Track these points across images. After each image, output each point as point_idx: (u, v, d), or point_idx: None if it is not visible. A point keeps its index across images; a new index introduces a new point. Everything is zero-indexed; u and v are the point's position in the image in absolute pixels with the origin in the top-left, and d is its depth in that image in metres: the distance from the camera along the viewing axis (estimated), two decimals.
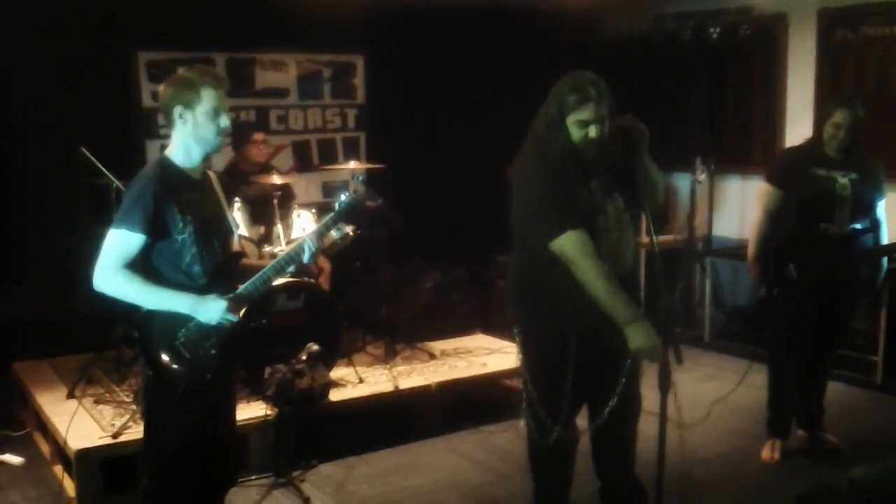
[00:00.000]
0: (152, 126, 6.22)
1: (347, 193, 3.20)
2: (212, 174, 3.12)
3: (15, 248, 5.67)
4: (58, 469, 4.39)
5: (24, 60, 5.69)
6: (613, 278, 3.04)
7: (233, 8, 6.25)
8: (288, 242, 5.00)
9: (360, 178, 5.23)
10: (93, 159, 4.68)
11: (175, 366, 2.91)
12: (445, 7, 6.84)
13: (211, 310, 2.89)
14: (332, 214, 3.17)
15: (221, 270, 2.99)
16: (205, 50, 6.39)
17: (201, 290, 2.92)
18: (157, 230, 2.85)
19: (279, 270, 3.07)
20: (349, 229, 5.34)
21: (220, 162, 6.16)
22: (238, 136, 5.69)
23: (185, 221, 2.88)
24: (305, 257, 3.07)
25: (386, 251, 5.71)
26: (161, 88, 2.94)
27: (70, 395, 4.74)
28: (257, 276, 3.02)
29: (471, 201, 6.87)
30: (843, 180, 4.25)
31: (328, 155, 6.87)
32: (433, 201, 6.81)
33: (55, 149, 5.51)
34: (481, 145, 6.84)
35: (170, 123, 2.93)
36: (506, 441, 4.83)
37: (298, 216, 5.08)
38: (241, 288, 3.00)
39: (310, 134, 6.89)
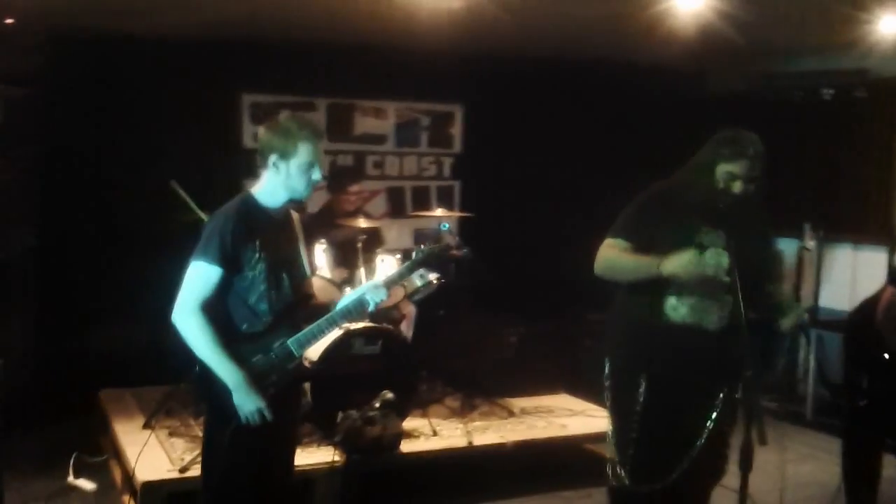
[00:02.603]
0: (252, 167, 6.29)
1: (428, 244, 3.14)
2: (294, 215, 3.12)
3: (109, 281, 5.82)
4: (126, 498, 4.40)
5: (130, 97, 5.90)
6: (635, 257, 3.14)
7: (336, 55, 6.37)
8: None
9: (447, 226, 5.19)
10: (183, 194, 4.76)
11: (232, 401, 2.86)
12: (545, 59, 6.81)
13: (248, 400, 2.86)
14: (407, 264, 3.13)
15: (288, 311, 2.97)
16: (307, 94, 6.53)
17: (266, 328, 2.91)
18: (232, 265, 2.86)
19: (345, 316, 3.04)
20: (433, 277, 5.29)
21: (317, 202, 6.24)
22: (336, 181, 5.73)
23: (258, 259, 2.88)
24: (370, 307, 3.03)
25: (471, 301, 5.61)
26: (261, 131, 2.99)
27: (146, 426, 4.78)
28: (315, 323, 2.98)
29: (561, 256, 6.73)
30: None
31: (422, 202, 6.87)
32: (523, 254, 6.71)
33: (151, 184, 5.67)
34: (575, 200, 6.74)
35: (263, 165, 2.96)
36: None
37: (382, 261, 5.04)
38: (299, 334, 2.95)
39: (405, 181, 6.91)
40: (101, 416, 5.31)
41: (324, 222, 5.41)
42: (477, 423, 5.08)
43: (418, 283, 5.26)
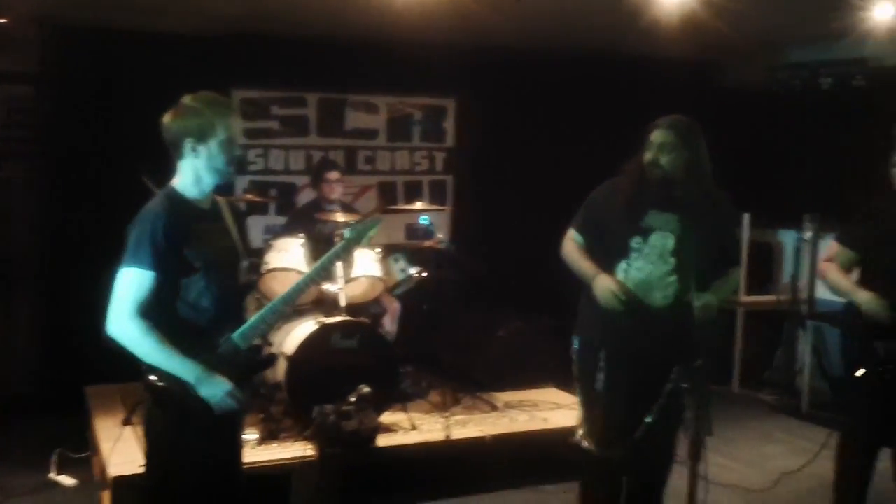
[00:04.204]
0: (242, 162, 6.33)
1: (356, 224, 3.11)
2: (221, 201, 3.04)
3: (104, 278, 5.83)
4: (104, 494, 4.42)
5: (117, 93, 5.92)
6: (584, 258, 3.54)
7: (327, 49, 6.34)
8: (347, 281, 4.94)
9: (427, 219, 5.16)
10: (153, 188, 4.75)
11: (182, 400, 2.81)
12: (540, 52, 6.74)
13: (215, 388, 2.79)
14: (340, 243, 3.07)
15: (230, 303, 2.92)
16: (298, 89, 6.52)
17: (209, 324, 2.85)
18: (166, 267, 2.77)
19: (287, 303, 3.00)
20: (414, 271, 5.26)
21: (306, 197, 6.24)
22: (315, 173, 5.73)
23: (194, 255, 2.80)
24: (302, 294, 3.03)
25: (459, 295, 5.58)
26: (167, 119, 2.86)
27: (126, 422, 4.79)
28: (258, 315, 2.93)
29: (554, 250, 6.66)
30: None
31: (414, 197, 6.81)
32: (516, 248, 6.64)
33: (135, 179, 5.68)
34: (569, 194, 6.62)
35: (179, 155, 2.86)
36: (562, 502, 4.56)
37: (360, 255, 5.00)
38: (243, 327, 2.90)
39: (397, 175, 6.88)
40: (86, 412, 5.34)
41: (307, 217, 5.41)
42: (458, 418, 5.05)
43: (399, 276, 5.24)
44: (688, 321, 3.24)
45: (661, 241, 3.41)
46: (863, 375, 3.89)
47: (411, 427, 4.82)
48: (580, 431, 3.63)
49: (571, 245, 3.64)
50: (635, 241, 3.43)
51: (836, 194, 6.78)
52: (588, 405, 3.59)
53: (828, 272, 4.04)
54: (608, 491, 3.68)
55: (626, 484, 3.72)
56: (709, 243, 3.42)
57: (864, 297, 3.82)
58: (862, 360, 3.88)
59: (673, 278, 3.41)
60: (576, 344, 3.68)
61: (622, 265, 3.45)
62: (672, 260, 3.39)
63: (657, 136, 3.45)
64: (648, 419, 3.25)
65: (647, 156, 3.45)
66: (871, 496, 4.13)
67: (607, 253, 3.50)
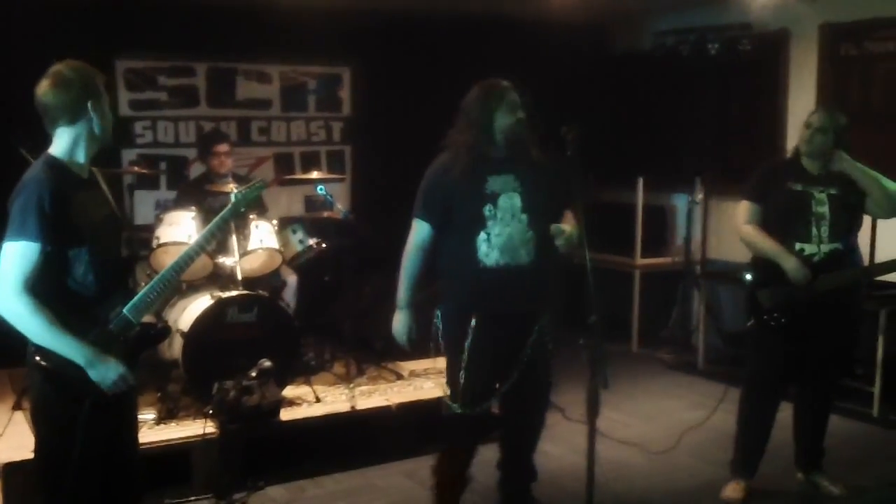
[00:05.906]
0: (129, 134, 6.11)
1: (240, 189, 3.04)
2: (95, 170, 2.92)
3: None
4: None
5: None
6: (409, 277, 3.63)
7: (216, 17, 6.13)
8: (244, 254, 4.82)
9: (323, 189, 5.07)
10: (30, 160, 4.53)
11: (76, 377, 2.69)
12: (437, 17, 6.68)
13: (107, 371, 2.70)
14: (224, 211, 2.98)
15: (115, 276, 2.82)
16: (185, 59, 6.31)
17: (95, 297, 2.74)
18: (54, 237, 2.64)
19: (178, 271, 2.92)
20: (313, 241, 5.18)
21: (197, 171, 6.05)
22: (202, 145, 5.56)
23: (78, 226, 2.69)
24: (192, 262, 2.95)
25: (361, 266, 5.51)
26: (43, 88, 2.72)
27: (16, 406, 4.59)
28: (148, 286, 2.83)
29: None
30: (820, 195, 3.95)
31: (312, 167, 6.70)
32: None
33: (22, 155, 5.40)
34: None
35: (57, 124, 2.74)
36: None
37: (257, 227, 4.89)
38: (135, 300, 2.80)
39: (293, 146, 6.75)
40: None
41: (199, 190, 5.25)
42: (363, 388, 5.03)
43: (298, 247, 5.15)
44: (548, 271, 3.53)
45: (510, 201, 3.52)
46: (752, 326, 4.05)
47: (315, 399, 4.77)
48: (447, 393, 3.70)
49: (410, 248, 3.64)
50: (487, 209, 3.50)
51: (725, 157, 7.01)
52: (456, 368, 3.63)
53: (754, 237, 4.04)
54: (469, 449, 3.84)
55: (501, 441, 3.91)
56: (549, 189, 3.56)
57: (791, 265, 3.91)
58: (749, 312, 4.03)
59: (530, 233, 3.53)
60: (441, 312, 3.70)
61: (482, 236, 3.50)
62: (524, 216, 3.52)
63: (519, 98, 3.58)
64: (515, 372, 3.51)
65: (512, 119, 3.55)
66: (770, 449, 4.31)
67: (463, 228, 3.53)
